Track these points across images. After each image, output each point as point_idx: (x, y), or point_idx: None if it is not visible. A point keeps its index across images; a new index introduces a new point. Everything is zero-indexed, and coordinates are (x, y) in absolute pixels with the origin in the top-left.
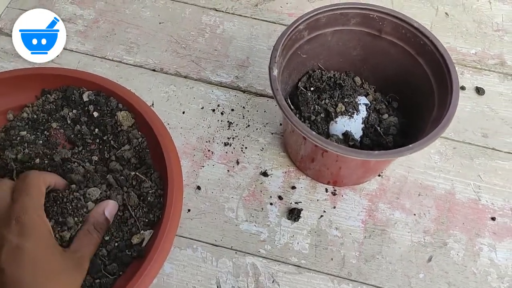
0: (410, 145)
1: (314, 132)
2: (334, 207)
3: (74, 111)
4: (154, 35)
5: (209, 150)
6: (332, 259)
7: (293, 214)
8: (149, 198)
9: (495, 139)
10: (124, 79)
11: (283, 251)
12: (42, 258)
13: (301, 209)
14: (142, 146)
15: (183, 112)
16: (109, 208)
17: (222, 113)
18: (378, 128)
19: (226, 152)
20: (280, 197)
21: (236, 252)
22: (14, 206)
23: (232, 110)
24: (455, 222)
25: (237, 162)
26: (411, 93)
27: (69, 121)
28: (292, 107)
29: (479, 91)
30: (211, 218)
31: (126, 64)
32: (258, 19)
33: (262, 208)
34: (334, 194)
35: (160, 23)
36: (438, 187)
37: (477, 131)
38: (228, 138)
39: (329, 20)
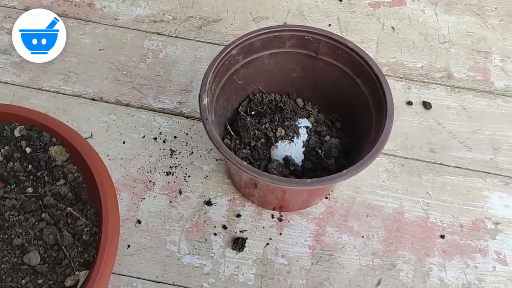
0: (344, 171)
1: (244, 163)
2: (281, 234)
3: (6, 147)
4: (94, 62)
5: (150, 181)
6: None
7: (238, 243)
8: (84, 237)
9: (443, 153)
10: (61, 110)
11: (228, 283)
12: None
13: (246, 238)
14: (77, 181)
15: (124, 142)
16: None
17: (164, 141)
18: (319, 151)
19: (168, 182)
20: (224, 227)
21: None
22: None
23: (175, 137)
24: (404, 242)
25: (180, 192)
26: (352, 113)
27: (1, 158)
28: (232, 133)
29: (426, 105)
30: (152, 253)
31: (64, 94)
32: (202, 42)
33: (206, 239)
34: (280, 220)
35: (100, 50)
36: (386, 207)
37: (424, 146)
38: (170, 167)
39: (264, 43)
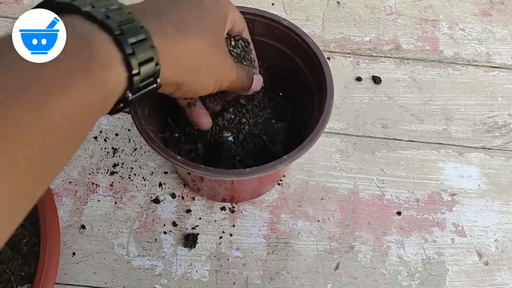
0: (284, 157)
1: (178, 157)
2: (234, 226)
3: None
4: None
5: (93, 183)
6: (234, 283)
7: (189, 240)
8: (23, 249)
9: (396, 128)
10: None
11: (181, 282)
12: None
13: (198, 234)
14: None
15: None
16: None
17: (105, 140)
18: (264, 138)
19: (112, 183)
20: (174, 224)
21: None
22: None
23: (116, 134)
24: (361, 222)
25: (125, 192)
26: (297, 95)
27: None
28: (172, 124)
29: (376, 80)
30: (99, 258)
31: None
32: None
33: (156, 239)
34: (232, 211)
35: None
36: (341, 188)
37: (376, 122)
38: (113, 166)
39: None
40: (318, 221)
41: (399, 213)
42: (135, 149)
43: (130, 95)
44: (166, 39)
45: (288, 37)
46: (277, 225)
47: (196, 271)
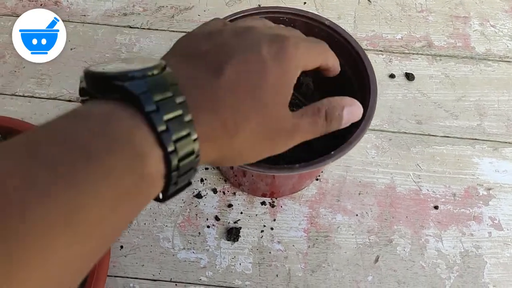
0: (332, 153)
1: None
2: (274, 220)
3: None
4: (66, 62)
5: None
6: (277, 275)
7: (232, 234)
8: None
9: (430, 124)
10: (38, 114)
11: (226, 275)
12: (275, 86)
13: (240, 227)
14: None
15: None
16: (352, 108)
17: None
18: None
19: None
20: (217, 218)
21: (176, 284)
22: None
23: None
24: (398, 216)
25: None
26: (337, 93)
27: None
28: None
29: (409, 76)
30: (146, 251)
31: (39, 98)
32: (176, 31)
33: (199, 233)
34: (272, 206)
35: (71, 49)
36: (378, 183)
37: (411, 118)
38: None
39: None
40: (357, 215)
41: (436, 207)
42: None
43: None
44: (215, 141)
45: (330, 37)
46: (316, 219)
47: (240, 264)
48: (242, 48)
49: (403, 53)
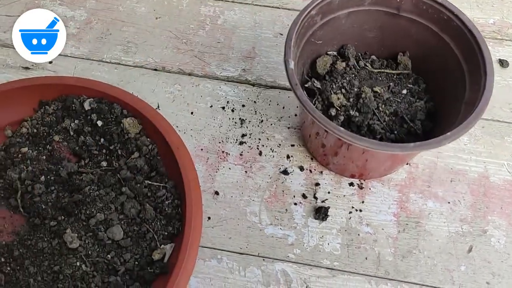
0: (448, 133)
1: (341, 128)
2: (363, 202)
3: (76, 121)
4: (152, 31)
5: (223, 152)
6: (366, 258)
7: (320, 213)
8: (166, 210)
9: None
10: (125, 81)
11: (314, 254)
12: None
13: (328, 207)
14: (152, 154)
15: (192, 113)
16: None
17: (232, 110)
18: (404, 116)
19: (242, 152)
20: (304, 196)
21: (264, 259)
22: None
23: (243, 106)
24: (493, 207)
25: (254, 162)
26: (437, 73)
27: (71, 133)
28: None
29: (503, 63)
30: (233, 224)
31: (126, 65)
32: (260, 5)
33: (286, 210)
34: (361, 187)
35: (157, 18)
36: (470, 171)
37: (505, 106)
38: (242, 136)
39: (342, 2)
40: (449, 202)
41: None
42: (262, 121)
43: None
44: None
45: (438, 14)
46: (406, 204)
47: (328, 244)
48: None
49: (496, 38)
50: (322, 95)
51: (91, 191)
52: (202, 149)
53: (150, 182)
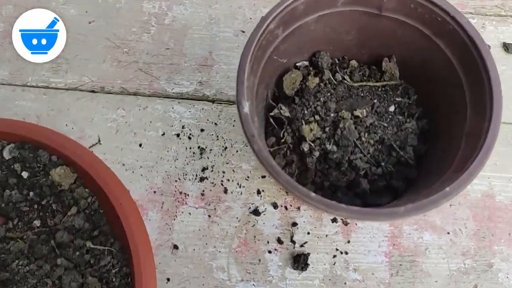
0: (448, 189)
1: (313, 195)
2: (348, 242)
3: None
4: (85, 41)
5: (181, 192)
6: None
7: (300, 261)
8: (113, 280)
9: None
10: (56, 111)
11: None
12: None
13: (308, 254)
14: (93, 208)
15: (140, 145)
16: None
17: (189, 138)
18: (393, 143)
19: (203, 191)
20: (279, 240)
21: None
22: None
23: (202, 130)
24: (499, 234)
25: (219, 202)
26: (431, 82)
27: None
28: (276, 127)
29: (508, 48)
30: (197, 285)
31: (56, 88)
32: None
33: (260, 260)
34: (345, 223)
35: (90, 23)
36: (472, 190)
37: (509, 105)
38: (202, 170)
39: (309, 6)
40: (448, 233)
41: None
42: (225, 147)
43: None
44: None
45: (431, 14)
46: (399, 240)
47: None
48: None
49: (499, 15)
50: (292, 126)
51: (20, 266)
52: (155, 192)
53: (92, 246)
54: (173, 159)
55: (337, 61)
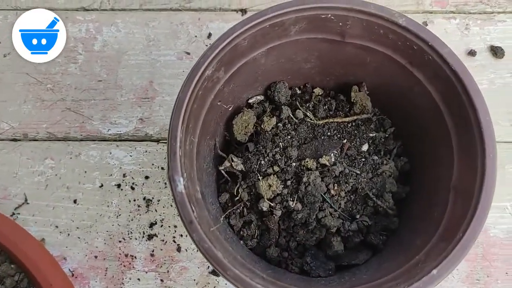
0: (434, 272)
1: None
2: None
3: None
4: (0, 78)
5: (126, 255)
6: None
7: None
8: None
9: None
10: None
11: None
12: None
13: None
14: (22, 286)
15: (75, 201)
16: None
17: (132, 188)
18: (369, 193)
19: (153, 251)
20: None
21: None
22: None
23: (147, 177)
24: (495, 274)
25: (172, 263)
26: (409, 115)
27: None
28: (229, 179)
29: (496, 52)
30: None
31: None
32: (153, 10)
33: None
34: None
35: (5, 56)
36: None
37: (503, 118)
38: (150, 226)
39: (254, 40)
40: None
41: None
42: None
43: None
44: None
45: (405, 41)
46: None
47: None
48: None
49: (485, 12)
50: (247, 180)
51: None
52: (96, 256)
53: None
54: (115, 215)
55: (298, 91)
